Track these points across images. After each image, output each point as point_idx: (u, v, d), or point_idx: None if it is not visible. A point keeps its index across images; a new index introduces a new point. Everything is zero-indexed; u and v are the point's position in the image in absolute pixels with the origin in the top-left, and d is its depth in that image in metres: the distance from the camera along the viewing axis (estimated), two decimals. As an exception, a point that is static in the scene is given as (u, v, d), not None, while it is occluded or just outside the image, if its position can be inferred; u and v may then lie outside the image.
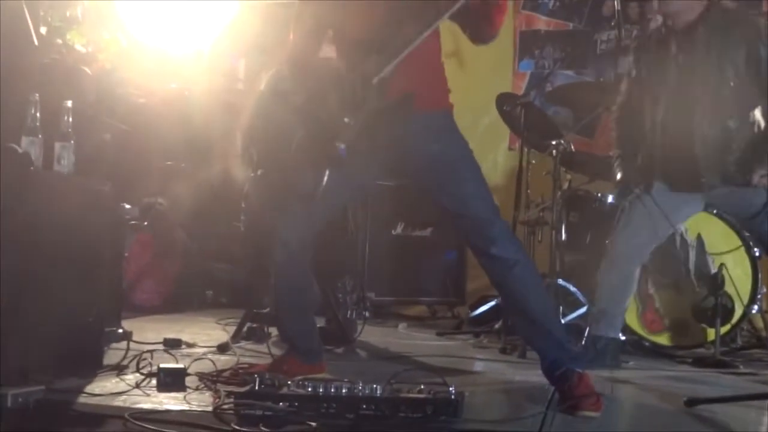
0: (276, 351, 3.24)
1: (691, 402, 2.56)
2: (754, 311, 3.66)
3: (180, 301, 5.17)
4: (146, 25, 5.63)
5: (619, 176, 3.46)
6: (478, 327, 4.34)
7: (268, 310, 4.28)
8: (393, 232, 5.08)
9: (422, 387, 2.32)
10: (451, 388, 2.27)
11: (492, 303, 4.48)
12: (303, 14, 2.84)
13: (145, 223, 4.66)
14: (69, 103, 3.00)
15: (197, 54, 6.09)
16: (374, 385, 2.29)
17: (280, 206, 2.84)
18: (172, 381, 2.62)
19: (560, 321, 3.26)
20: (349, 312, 3.90)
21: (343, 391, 2.26)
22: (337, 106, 2.61)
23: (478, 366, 3.45)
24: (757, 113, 3.24)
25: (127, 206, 3.23)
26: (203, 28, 6.11)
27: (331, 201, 2.74)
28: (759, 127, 3.24)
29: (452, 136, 2.72)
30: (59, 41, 4.73)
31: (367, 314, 4.45)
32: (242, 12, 6.23)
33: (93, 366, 2.89)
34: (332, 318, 3.85)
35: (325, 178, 2.63)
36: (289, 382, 2.36)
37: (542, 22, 6.07)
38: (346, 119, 2.59)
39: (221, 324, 4.31)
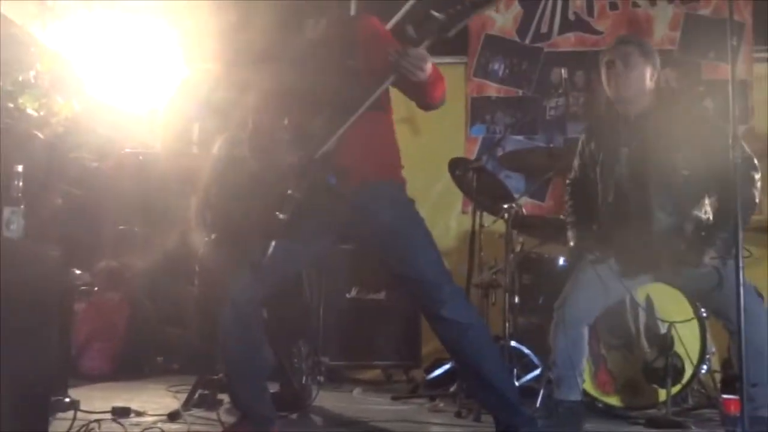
0: (227, 418, 3.19)
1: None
2: (703, 371, 3.70)
3: (129, 367, 5.07)
4: (101, 85, 5.65)
5: (572, 243, 3.51)
6: (434, 390, 4.32)
7: (220, 376, 4.23)
8: (347, 295, 5.07)
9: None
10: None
11: (447, 366, 4.48)
12: (257, 78, 2.89)
13: (96, 289, 4.58)
14: (20, 168, 2.98)
15: (152, 113, 6.11)
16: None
17: (231, 269, 2.83)
18: (120, 452, 2.55)
19: (514, 384, 3.27)
20: (303, 377, 3.85)
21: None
22: (284, 180, 2.64)
23: (436, 431, 3.42)
24: (707, 201, 3.34)
25: (78, 272, 3.18)
26: (158, 88, 6.15)
27: (281, 268, 2.75)
28: (708, 213, 3.33)
29: (401, 204, 2.76)
30: (11, 105, 4.71)
31: (321, 379, 4.42)
32: (195, 73, 6.29)
33: (38, 437, 2.81)
34: (286, 383, 3.80)
35: (270, 248, 2.65)
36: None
37: (493, 89, 6.23)
38: (289, 191, 2.61)
39: (172, 391, 4.22)
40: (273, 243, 2.64)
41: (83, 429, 2.81)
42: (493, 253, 4.58)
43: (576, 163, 3.62)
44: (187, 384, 4.16)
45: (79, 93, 5.33)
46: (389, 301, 5.15)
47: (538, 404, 3.60)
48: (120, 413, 3.39)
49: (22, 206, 2.94)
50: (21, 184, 2.95)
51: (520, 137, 6.06)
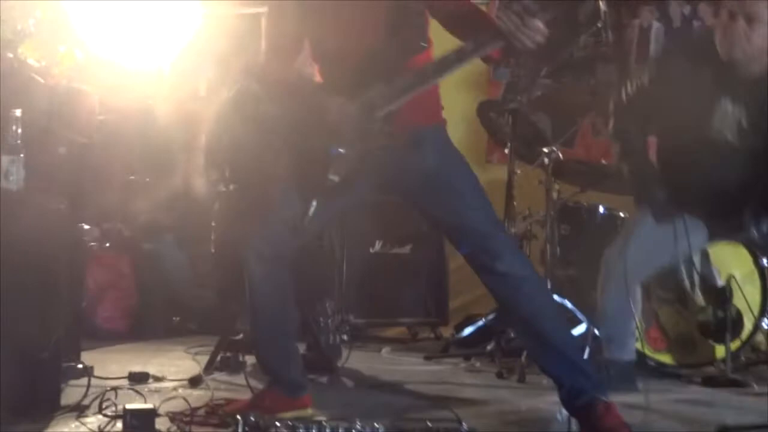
0: (254, 383, 2.94)
1: (724, 430, 2.32)
2: (765, 325, 3.44)
3: (144, 328, 4.83)
4: (103, 40, 5.32)
5: (642, 193, 3.18)
6: (467, 349, 4.07)
7: (241, 336, 3.99)
8: (371, 250, 4.79)
9: (430, 424, 2.04)
10: (463, 426, 2.00)
11: (480, 323, 4.22)
12: (280, 20, 2.56)
13: (107, 245, 4.31)
14: (18, 113, 2.69)
15: (158, 71, 5.79)
16: (375, 425, 2.00)
17: (256, 222, 2.56)
18: (140, 424, 2.31)
19: (577, 342, 2.99)
20: (331, 337, 3.60)
21: (341, 432, 1.98)
22: (330, 135, 2.35)
23: (477, 393, 3.17)
24: None
25: (86, 227, 2.91)
26: (163, 44, 5.81)
27: (316, 222, 2.47)
28: None
29: (446, 149, 2.48)
30: (10, 55, 4.41)
31: (345, 338, 4.17)
32: (203, 26, 5.96)
33: (49, 407, 2.57)
34: (313, 344, 3.55)
35: (312, 209, 2.37)
36: (277, 423, 2.06)
37: (517, 30, 5.86)
38: (341, 150, 2.33)
39: (190, 353, 3.98)
40: (315, 203, 2.36)
41: (99, 398, 2.55)
42: (525, 202, 4.27)
43: (632, 97, 3.28)
44: (206, 345, 3.95)
45: (81, 44, 5.01)
46: (414, 255, 4.88)
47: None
48: (137, 379, 3.15)
49: (21, 155, 2.65)
50: (20, 130, 2.66)
51: (546, 81, 5.72)
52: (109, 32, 5.34)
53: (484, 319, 4.22)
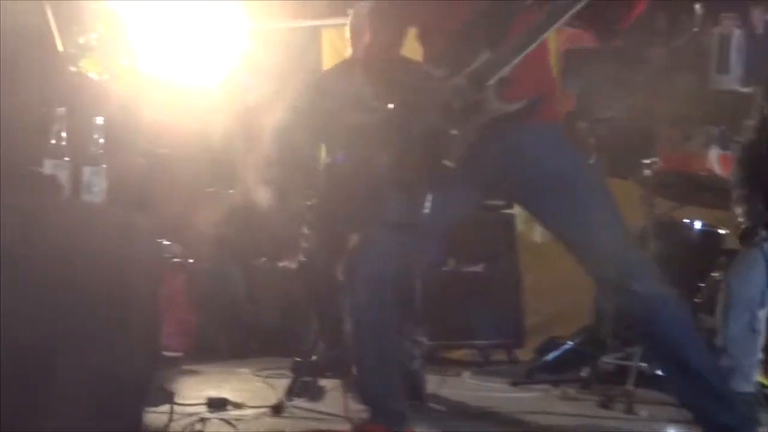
0: (333, 409, 2.73)
1: None
2: None
3: (203, 347, 4.64)
4: (158, 57, 5.19)
5: (743, 219, 2.96)
6: (553, 374, 3.81)
7: (315, 358, 3.78)
8: (443, 268, 4.56)
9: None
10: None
11: (567, 346, 3.96)
12: (383, 10, 2.40)
13: (191, 261, 4.12)
14: (99, 120, 2.51)
15: (210, 88, 5.64)
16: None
17: (362, 233, 2.35)
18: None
19: (722, 372, 2.73)
20: (416, 362, 3.36)
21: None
22: (439, 117, 2.14)
23: (579, 425, 2.92)
24: None
25: (166, 242, 2.73)
26: (215, 60, 5.66)
27: (427, 230, 2.24)
28: None
29: (569, 150, 2.25)
30: (73, 69, 4.30)
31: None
32: (254, 41, 5.82)
33: (132, 438, 2.37)
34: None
35: (428, 203, 2.15)
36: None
37: (588, 39, 5.62)
38: (453, 131, 2.11)
39: (261, 376, 3.78)
40: (430, 197, 2.14)
41: (189, 429, 2.34)
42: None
43: (753, 125, 3.06)
44: (274, 368, 3.78)
45: (139, 59, 4.88)
46: (488, 273, 4.65)
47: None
48: (216, 405, 2.94)
49: (104, 165, 2.47)
50: (101, 140, 2.47)
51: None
52: (161, 48, 5.22)
53: (571, 342, 3.97)
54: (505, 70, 2.10)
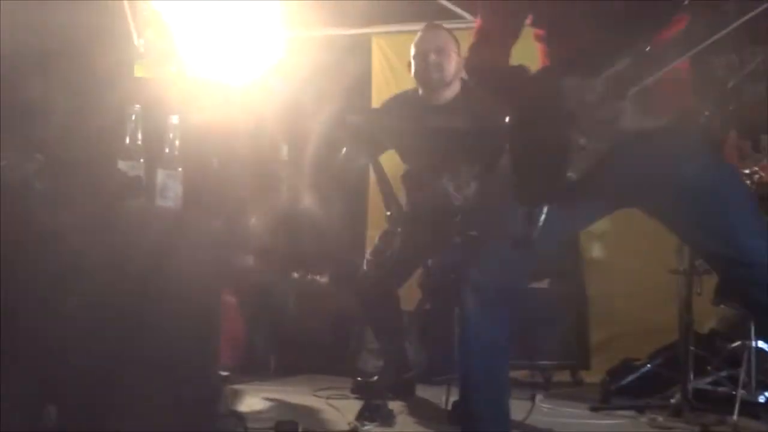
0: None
1: None
2: None
3: (253, 363, 4.44)
4: (203, 60, 5.04)
5: None
6: (633, 399, 3.57)
7: (376, 378, 3.59)
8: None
9: None
10: None
11: (646, 368, 3.72)
12: (503, 7, 2.16)
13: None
14: (175, 119, 2.32)
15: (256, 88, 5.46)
16: None
17: (473, 247, 2.14)
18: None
19: None
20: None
21: None
22: (567, 122, 1.93)
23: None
24: None
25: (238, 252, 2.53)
26: (258, 61, 5.49)
27: (544, 244, 2.02)
28: None
29: (708, 154, 2.02)
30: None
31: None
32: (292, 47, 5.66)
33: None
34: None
35: (543, 217, 1.94)
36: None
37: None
38: (581, 141, 1.90)
39: (321, 397, 3.56)
40: (545, 210, 1.94)
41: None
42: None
43: None
44: (327, 387, 3.66)
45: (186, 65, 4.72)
46: (553, 290, 4.41)
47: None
48: (287, 429, 2.73)
49: (180, 169, 2.27)
50: (177, 141, 2.28)
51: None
52: (203, 53, 5.07)
53: (650, 365, 3.73)
54: (650, 80, 1.88)
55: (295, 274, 4.94)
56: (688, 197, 1.94)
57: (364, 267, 3.65)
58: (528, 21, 2.16)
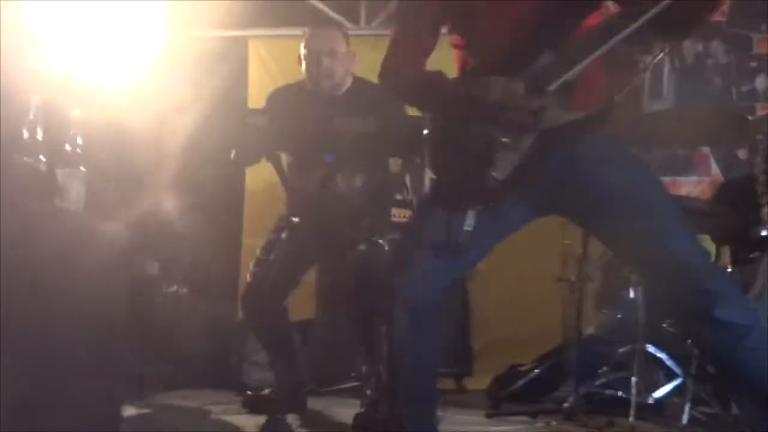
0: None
1: None
2: None
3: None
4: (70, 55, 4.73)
5: None
6: (523, 405, 3.63)
7: (270, 392, 3.46)
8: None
9: None
10: None
11: (533, 374, 3.80)
12: (419, 11, 2.13)
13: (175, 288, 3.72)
14: (77, 113, 2.13)
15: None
16: None
17: (401, 258, 2.07)
18: None
19: None
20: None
21: None
22: (488, 124, 1.92)
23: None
24: None
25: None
26: (129, 60, 5.24)
27: (470, 249, 1.99)
28: None
29: (634, 160, 2.06)
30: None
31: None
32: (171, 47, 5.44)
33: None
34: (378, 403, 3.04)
35: (470, 221, 1.92)
36: None
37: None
38: (505, 139, 1.89)
39: (212, 412, 3.40)
40: (472, 213, 1.92)
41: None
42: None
43: None
44: (213, 402, 3.57)
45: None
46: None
47: (684, 421, 2.97)
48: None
49: (82, 167, 2.08)
50: (79, 139, 2.09)
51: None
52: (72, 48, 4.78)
53: (539, 369, 3.80)
54: (571, 75, 1.90)
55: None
56: (612, 202, 1.96)
57: (248, 279, 3.51)
58: (444, 29, 2.15)
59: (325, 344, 4.23)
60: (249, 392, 3.58)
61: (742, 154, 5.02)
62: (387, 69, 2.15)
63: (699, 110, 3.66)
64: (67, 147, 2.07)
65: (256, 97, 5.51)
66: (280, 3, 5.58)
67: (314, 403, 3.65)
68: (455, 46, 2.13)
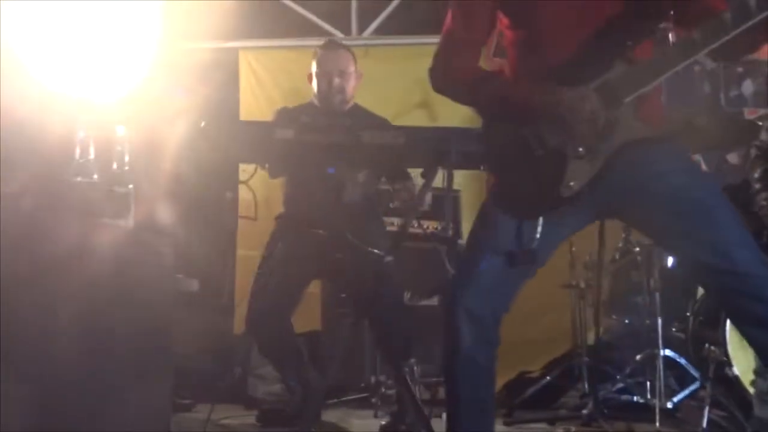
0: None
1: None
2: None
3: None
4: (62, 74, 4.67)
5: None
6: (536, 412, 3.67)
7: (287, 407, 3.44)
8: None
9: None
10: None
11: (545, 380, 3.83)
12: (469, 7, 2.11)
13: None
14: (121, 131, 2.11)
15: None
16: None
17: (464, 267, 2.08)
18: None
19: None
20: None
21: None
22: (564, 131, 1.94)
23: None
24: None
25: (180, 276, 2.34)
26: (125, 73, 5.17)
27: (540, 257, 2.01)
28: None
29: (696, 167, 2.10)
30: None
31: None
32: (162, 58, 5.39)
33: None
34: (405, 413, 3.05)
35: (539, 229, 1.94)
36: None
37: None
38: (580, 149, 1.91)
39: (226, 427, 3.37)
40: (541, 221, 1.94)
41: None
42: (588, 244, 3.90)
43: None
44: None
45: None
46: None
47: (704, 425, 3.03)
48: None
49: (131, 186, 2.07)
50: (127, 156, 2.07)
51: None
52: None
53: (548, 377, 3.84)
54: (648, 89, 1.91)
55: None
56: (676, 208, 1.96)
57: (249, 297, 3.50)
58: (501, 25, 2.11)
59: (333, 355, 4.21)
60: (264, 406, 3.56)
61: (732, 158, 5.15)
62: (439, 63, 2.12)
63: (711, 117, 3.72)
64: (115, 165, 2.04)
65: (248, 109, 5.52)
66: (272, 14, 5.58)
67: (327, 415, 3.64)
68: (509, 45, 2.10)
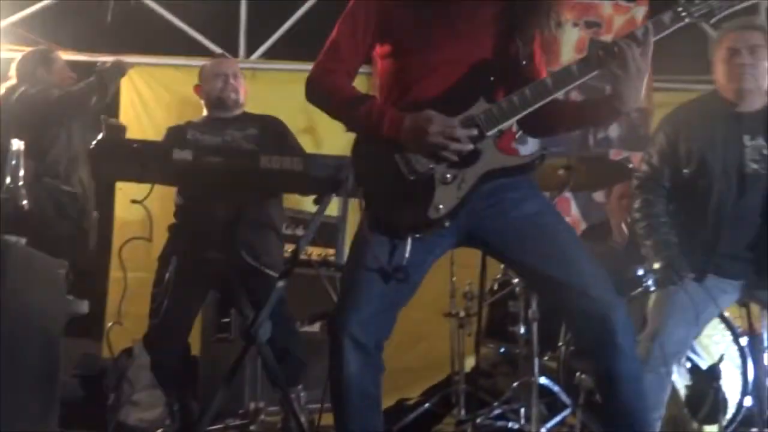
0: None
1: None
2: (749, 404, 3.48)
3: None
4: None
5: (660, 263, 3.03)
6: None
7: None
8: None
9: None
10: None
11: (424, 407, 3.91)
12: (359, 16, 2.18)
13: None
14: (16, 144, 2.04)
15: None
16: None
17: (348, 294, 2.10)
18: None
19: None
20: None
21: None
22: (433, 159, 2.04)
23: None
24: None
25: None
26: None
27: (410, 281, 2.07)
28: None
29: (549, 204, 2.27)
30: None
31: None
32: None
33: None
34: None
35: (408, 248, 2.03)
36: None
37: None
38: (448, 175, 2.03)
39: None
40: (410, 242, 2.03)
41: None
42: (468, 274, 4.03)
43: (656, 161, 3.11)
44: None
45: None
46: (325, 335, 4.44)
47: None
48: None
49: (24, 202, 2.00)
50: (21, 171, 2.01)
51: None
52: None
53: (427, 404, 3.92)
54: (508, 124, 2.07)
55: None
56: (528, 235, 2.08)
57: (148, 315, 3.41)
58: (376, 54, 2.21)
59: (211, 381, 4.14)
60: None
61: (597, 197, 5.46)
62: (318, 73, 2.17)
63: (585, 158, 3.95)
64: (8, 180, 1.97)
65: (127, 123, 5.37)
66: (159, 31, 5.49)
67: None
68: (382, 57, 2.20)
